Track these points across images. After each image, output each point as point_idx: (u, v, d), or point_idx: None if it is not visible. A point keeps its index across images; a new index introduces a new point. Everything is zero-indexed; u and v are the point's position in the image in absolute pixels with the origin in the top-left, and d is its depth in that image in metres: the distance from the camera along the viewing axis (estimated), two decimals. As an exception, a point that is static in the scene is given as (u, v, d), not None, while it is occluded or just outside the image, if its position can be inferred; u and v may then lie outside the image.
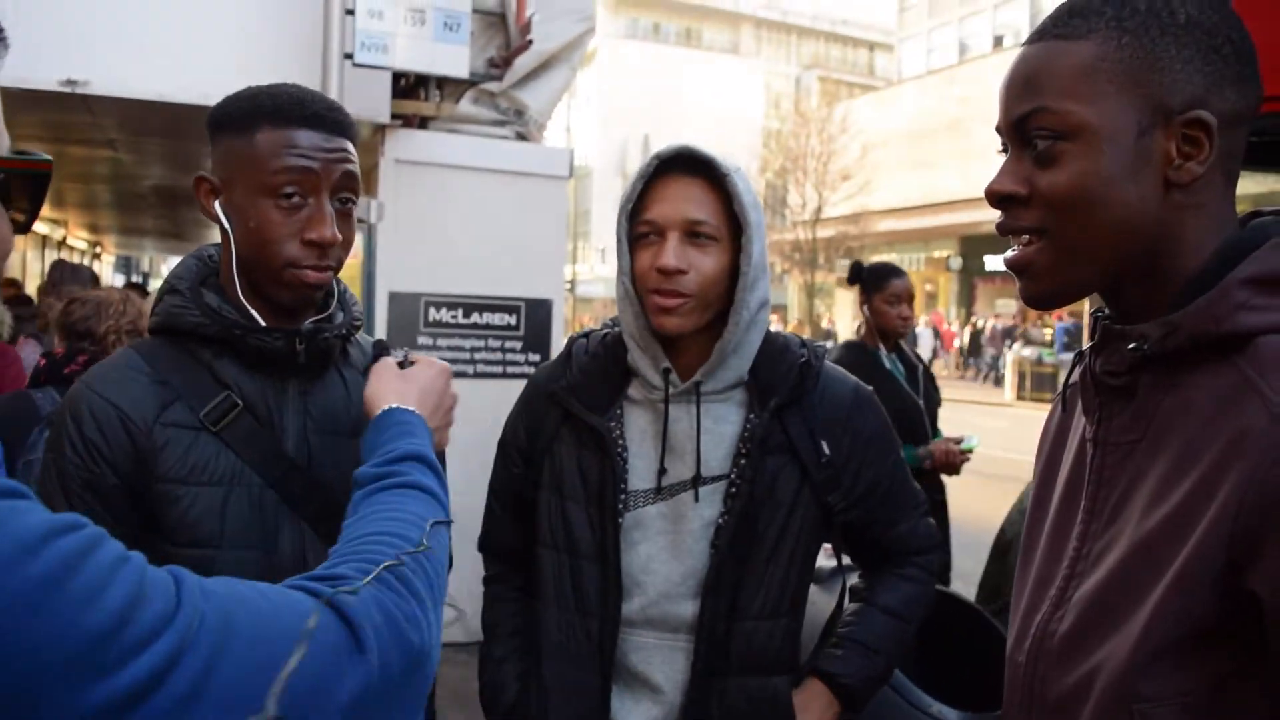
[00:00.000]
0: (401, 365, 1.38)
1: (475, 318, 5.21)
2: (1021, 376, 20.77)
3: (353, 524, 1.04)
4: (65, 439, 1.38)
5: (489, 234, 5.20)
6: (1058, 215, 0.99)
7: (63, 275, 5.17)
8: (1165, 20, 0.95)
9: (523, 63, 5.26)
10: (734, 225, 1.56)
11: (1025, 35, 1.08)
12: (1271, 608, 0.84)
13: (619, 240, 1.62)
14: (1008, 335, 24.09)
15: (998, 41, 33.38)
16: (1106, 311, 1.07)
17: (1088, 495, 1.05)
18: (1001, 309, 27.20)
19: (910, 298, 3.88)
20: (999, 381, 22.43)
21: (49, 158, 0.79)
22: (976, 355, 26.39)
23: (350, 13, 4.35)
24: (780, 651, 1.63)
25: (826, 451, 1.61)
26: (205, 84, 4.22)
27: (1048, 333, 22.25)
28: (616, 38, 49.53)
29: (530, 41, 5.01)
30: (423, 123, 5.09)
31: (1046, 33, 1.01)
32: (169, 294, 1.46)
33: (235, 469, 1.40)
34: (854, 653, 1.67)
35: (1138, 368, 0.99)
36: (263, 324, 1.42)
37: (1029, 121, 1.00)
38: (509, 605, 1.79)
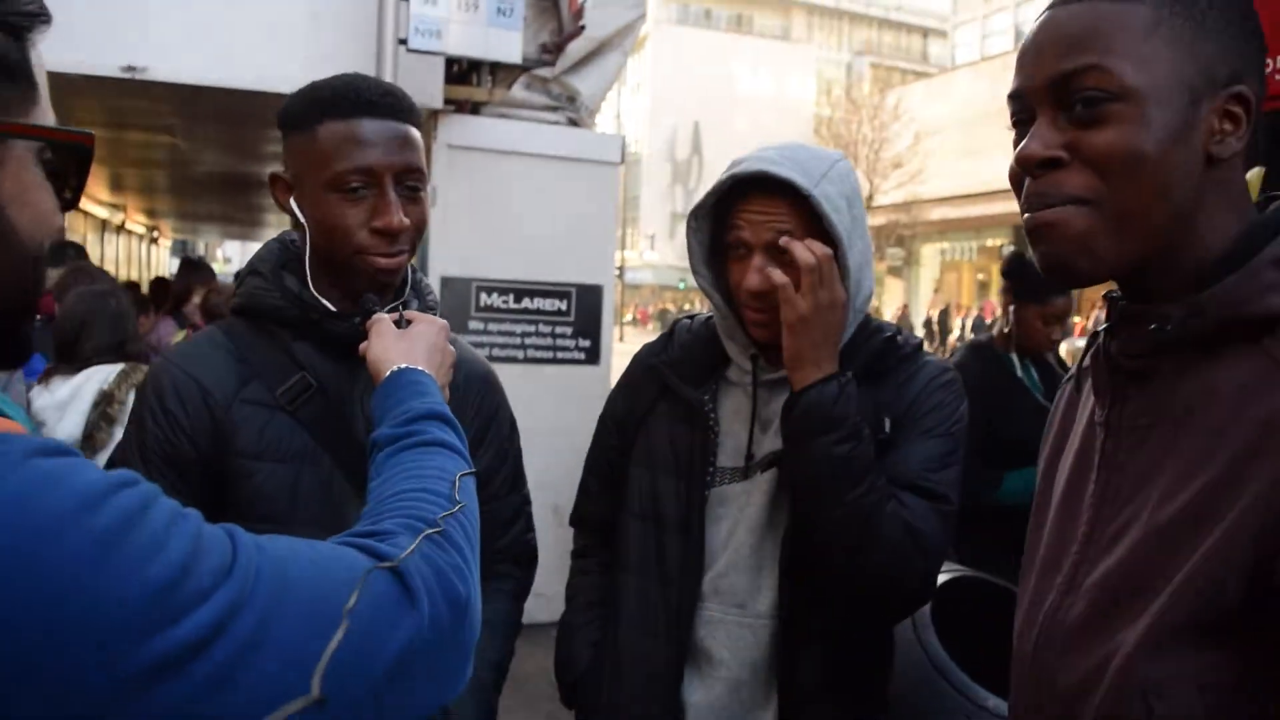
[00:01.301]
0: (398, 324, 1.37)
1: (526, 303, 5.22)
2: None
3: (381, 484, 1.04)
4: (147, 411, 1.43)
5: (540, 219, 5.21)
6: (1110, 178, 0.93)
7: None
8: None
9: (575, 48, 5.26)
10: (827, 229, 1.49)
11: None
12: None
13: (689, 245, 1.63)
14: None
15: (1055, 27, 32.68)
16: (1120, 293, 1.03)
17: (1098, 480, 1.01)
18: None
19: (1067, 317, 3.28)
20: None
21: (90, 131, 0.80)
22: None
23: (404, -2, 4.37)
24: (859, 629, 1.61)
25: (887, 429, 1.57)
26: (261, 69, 4.29)
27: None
28: (667, 24, 49.45)
29: (582, 27, 5.01)
30: (475, 108, 5.10)
31: None
32: (251, 275, 1.51)
33: (307, 448, 1.44)
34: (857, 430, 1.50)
35: (1157, 350, 0.96)
36: (334, 310, 1.45)
37: (1075, 79, 0.94)
38: (592, 577, 1.84)
